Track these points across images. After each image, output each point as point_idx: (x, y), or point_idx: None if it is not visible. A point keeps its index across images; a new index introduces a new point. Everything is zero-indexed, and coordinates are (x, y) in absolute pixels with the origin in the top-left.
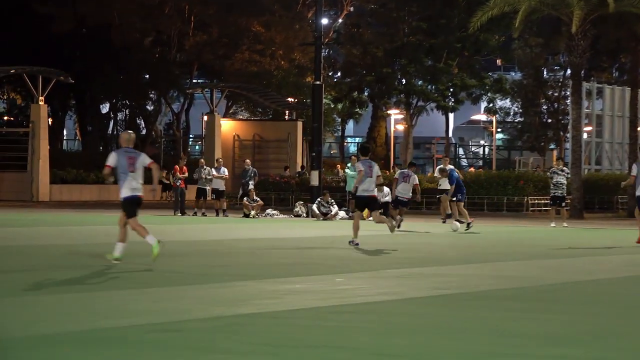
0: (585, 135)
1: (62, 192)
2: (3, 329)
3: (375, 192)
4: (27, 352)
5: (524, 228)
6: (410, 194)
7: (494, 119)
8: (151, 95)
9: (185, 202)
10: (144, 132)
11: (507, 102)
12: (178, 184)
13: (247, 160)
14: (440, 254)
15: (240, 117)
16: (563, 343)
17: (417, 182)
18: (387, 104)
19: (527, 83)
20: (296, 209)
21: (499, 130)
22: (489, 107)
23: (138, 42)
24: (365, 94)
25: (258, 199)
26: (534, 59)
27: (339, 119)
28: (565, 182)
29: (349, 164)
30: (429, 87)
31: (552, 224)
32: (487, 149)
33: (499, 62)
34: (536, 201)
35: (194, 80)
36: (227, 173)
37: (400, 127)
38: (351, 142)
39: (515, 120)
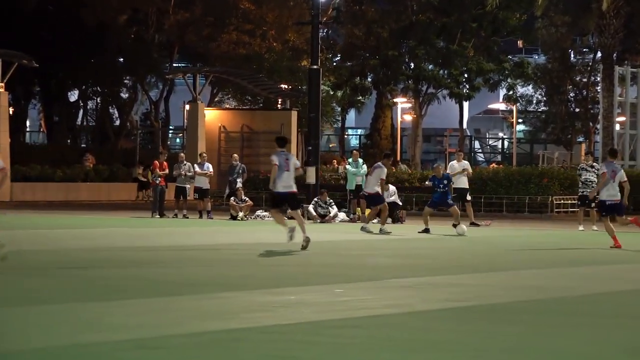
0: (617, 127)
1: (24, 191)
2: None
3: (295, 188)
4: None
5: (548, 232)
6: (376, 189)
7: (514, 108)
8: (126, 81)
9: (165, 203)
10: (117, 122)
11: (529, 89)
12: (158, 181)
13: (235, 155)
14: (453, 261)
15: (227, 106)
16: None
17: (383, 177)
18: (394, 92)
19: (552, 67)
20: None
21: (520, 121)
22: (508, 95)
23: (111, 22)
24: (369, 79)
25: (247, 198)
26: (560, 40)
27: (339, 109)
28: (595, 179)
29: (350, 159)
30: (441, 72)
31: (581, 227)
32: (506, 142)
33: (520, 43)
34: (562, 201)
35: (175, 65)
36: (211, 169)
37: (408, 118)
38: (352, 135)
39: (539, 110)
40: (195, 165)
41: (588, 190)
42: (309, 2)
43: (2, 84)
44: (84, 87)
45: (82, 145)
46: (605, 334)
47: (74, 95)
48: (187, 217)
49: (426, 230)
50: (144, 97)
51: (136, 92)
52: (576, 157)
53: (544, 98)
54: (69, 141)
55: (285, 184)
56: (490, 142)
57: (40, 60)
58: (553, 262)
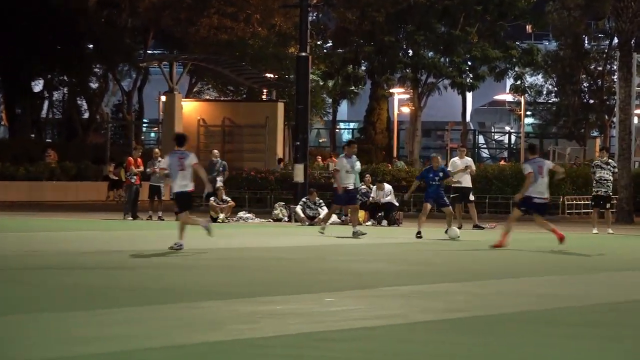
0: (636, 120)
1: None
2: None
3: (191, 187)
4: None
5: None
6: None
7: (522, 99)
8: (96, 69)
9: (139, 203)
10: (86, 115)
11: (539, 79)
12: (133, 180)
13: (215, 151)
14: (453, 267)
15: (207, 97)
16: None
17: (338, 167)
18: (390, 81)
19: (564, 55)
20: (276, 212)
21: (528, 113)
22: (516, 85)
23: (80, 4)
24: (363, 68)
25: (228, 199)
26: (573, 25)
27: (330, 100)
28: (610, 178)
29: (341, 155)
30: (442, 59)
31: (595, 230)
32: (513, 137)
33: (529, 28)
34: (575, 202)
35: (150, 52)
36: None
37: (406, 110)
38: (345, 129)
39: (549, 101)
40: None
41: (603, 190)
42: None
43: None
44: (49, 76)
45: (48, 140)
46: (621, 347)
47: (38, 85)
48: (163, 219)
49: (418, 234)
50: (116, 88)
51: (107, 82)
52: (590, 153)
53: (555, 88)
54: (32, 135)
55: (181, 182)
56: (495, 137)
57: (0, 47)
58: (564, 268)
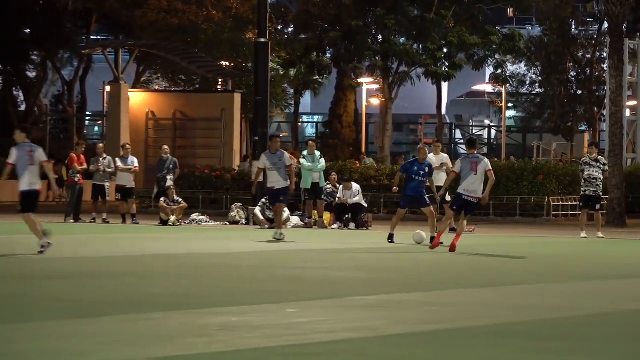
0: (627, 113)
1: None
2: None
3: (39, 186)
4: None
5: (543, 239)
6: (286, 183)
7: (503, 90)
8: (33, 57)
9: (82, 204)
10: (23, 107)
11: (521, 67)
12: (76, 179)
13: (165, 147)
14: (428, 275)
15: (156, 87)
16: None
17: (260, 165)
18: (358, 70)
19: (549, 41)
20: (232, 214)
21: (510, 105)
22: (496, 74)
23: None
24: (328, 55)
25: (180, 199)
26: (559, 8)
27: (292, 91)
28: (600, 176)
29: (305, 152)
30: (415, 46)
31: (583, 234)
32: (494, 132)
33: (510, 12)
34: (561, 203)
35: (93, 37)
36: (137, 164)
37: (376, 102)
38: (308, 122)
39: (533, 92)
40: (117, 159)
41: (592, 190)
42: None
43: None
44: None
45: None
46: None
47: None
48: (108, 222)
49: (390, 237)
50: (56, 77)
51: (46, 71)
52: (578, 149)
53: (539, 78)
54: None
55: (31, 180)
56: (474, 132)
57: None
58: (549, 276)
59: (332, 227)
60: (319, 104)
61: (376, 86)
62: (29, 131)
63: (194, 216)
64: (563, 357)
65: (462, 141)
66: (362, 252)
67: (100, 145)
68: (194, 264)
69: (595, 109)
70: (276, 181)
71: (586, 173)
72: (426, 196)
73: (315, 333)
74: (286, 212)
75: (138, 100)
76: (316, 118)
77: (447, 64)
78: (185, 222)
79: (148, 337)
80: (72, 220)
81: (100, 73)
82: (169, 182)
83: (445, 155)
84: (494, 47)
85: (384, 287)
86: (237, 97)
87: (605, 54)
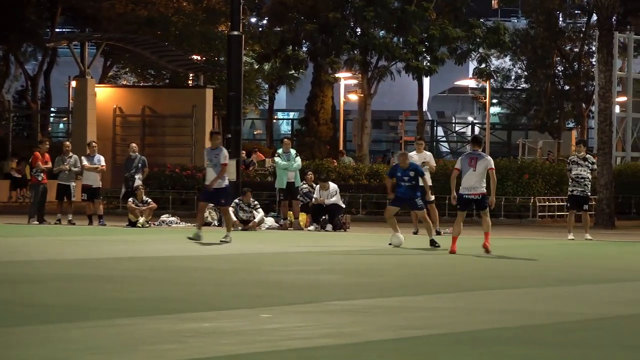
0: (617, 109)
1: None
2: None
3: None
4: None
5: (529, 241)
6: (223, 183)
7: (487, 85)
8: None
9: (46, 205)
10: None
11: (506, 61)
12: (40, 178)
13: (133, 145)
14: (410, 279)
15: (124, 82)
16: None
17: (207, 160)
18: (335, 65)
19: (536, 34)
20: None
21: (494, 101)
22: (480, 69)
23: None
24: (304, 49)
25: (149, 199)
26: (545, 0)
27: (266, 86)
28: (589, 176)
29: (279, 150)
30: (395, 39)
31: (571, 236)
32: (477, 129)
33: (495, 3)
34: (547, 203)
35: (58, 30)
36: (103, 162)
37: (354, 98)
38: (283, 119)
39: (519, 88)
40: (83, 157)
41: (580, 189)
42: None
43: None
44: None
45: None
46: None
47: None
48: (74, 224)
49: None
50: (19, 71)
51: (8, 65)
52: (565, 147)
53: (525, 73)
54: None
55: None
56: (457, 129)
57: None
58: (536, 279)
59: (309, 228)
60: (295, 100)
61: (354, 81)
62: None
63: (164, 217)
64: None
65: (444, 139)
66: (340, 255)
67: (67, 143)
68: (164, 268)
69: (584, 105)
70: (212, 179)
71: (574, 172)
72: (418, 199)
73: (290, 339)
74: (260, 213)
75: (105, 96)
76: (292, 115)
77: (428, 58)
78: (154, 224)
79: (114, 344)
80: (36, 222)
81: (66, 67)
82: (138, 182)
83: (429, 154)
84: (478, 40)
85: (363, 292)
86: (209, 93)
87: (593, 48)
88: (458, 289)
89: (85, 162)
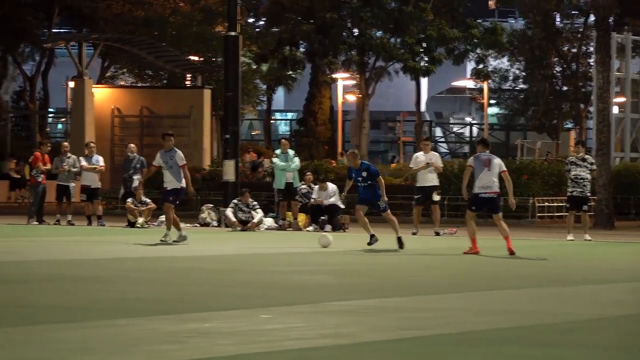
0: (616, 109)
1: None
2: None
3: None
4: None
5: (528, 242)
6: (179, 184)
7: (485, 85)
8: None
9: (45, 205)
10: None
11: (504, 62)
12: (39, 179)
13: (132, 145)
14: (408, 279)
15: (122, 82)
16: None
17: (155, 163)
18: (333, 65)
19: (533, 34)
20: (203, 215)
21: (492, 102)
22: (478, 69)
23: None
24: (301, 50)
25: (148, 200)
26: (543, 1)
27: (264, 87)
28: (588, 176)
29: (277, 151)
30: (392, 40)
31: (570, 237)
32: (475, 129)
33: (492, 4)
34: (546, 204)
35: (55, 30)
36: (102, 163)
37: (352, 98)
38: (281, 119)
39: (516, 88)
40: (82, 158)
41: (579, 190)
42: None
43: None
44: None
45: None
46: None
47: None
48: (73, 224)
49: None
50: (16, 72)
51: (6, 66)
52: (563, 147)
53: (523, 73)
54: None
55: None
56: (455, 129)
57: None
58: (534, 280)
59: (307, 229)
60: (293, 100)
61: (352, 82)
62: None
63: (163, 218)
64: None
65: (442, 139)
66: (338, 255)
67: (65, 143)
68: (163, 268)
69: (582, 105)
70: (168, 181)
71: (573, 173)
72: (381, 201)
73: (289, 340)
74: (259, 214)
75: (103, 97)
76: (289, 115)
77: (426, 59)
78: (153, 224)
79: (115, 344)
80: (35, 222)
81: (63, 68)
82: (136, 182)
83: (436, 154)
84: (475, 41)
85: (361, 292)
86: (207, 93)
87: (591, 48)
88: (457, 289)
89: (83, 163)
